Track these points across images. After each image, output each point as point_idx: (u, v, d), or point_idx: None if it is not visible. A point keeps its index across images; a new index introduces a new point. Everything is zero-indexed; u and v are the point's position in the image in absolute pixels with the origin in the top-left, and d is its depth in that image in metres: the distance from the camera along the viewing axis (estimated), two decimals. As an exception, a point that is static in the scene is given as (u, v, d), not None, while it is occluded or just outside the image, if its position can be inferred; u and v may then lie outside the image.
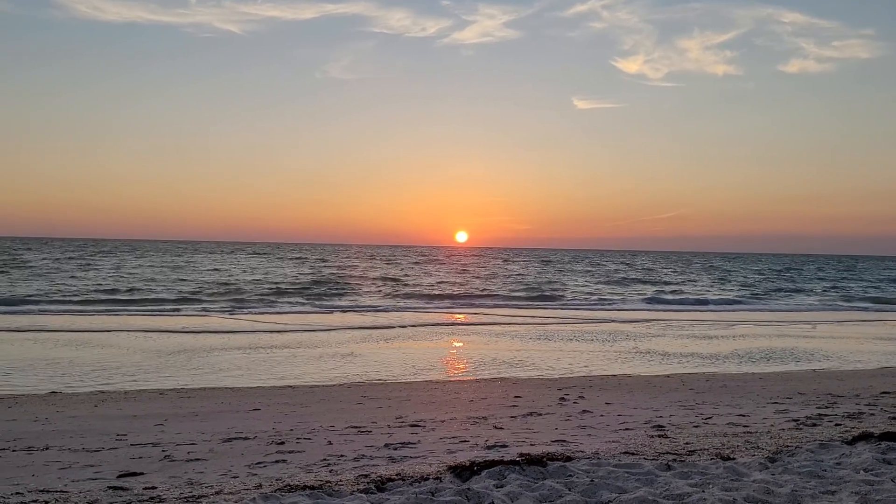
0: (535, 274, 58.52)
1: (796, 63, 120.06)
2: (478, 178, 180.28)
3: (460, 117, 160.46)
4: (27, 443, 6.70)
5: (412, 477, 4.90)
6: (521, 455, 5.39)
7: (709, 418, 7.86)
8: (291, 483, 4.84)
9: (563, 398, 9.58)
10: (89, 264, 53.52)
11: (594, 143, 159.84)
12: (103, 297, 29.98)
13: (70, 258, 62.15)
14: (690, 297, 39.00)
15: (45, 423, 7.79)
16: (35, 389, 10.58)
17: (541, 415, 8.24)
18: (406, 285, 42.18)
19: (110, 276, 41.67)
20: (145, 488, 4.89)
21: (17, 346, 15.54)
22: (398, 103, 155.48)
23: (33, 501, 4.56)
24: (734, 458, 5.54)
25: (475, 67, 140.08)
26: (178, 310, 26.31)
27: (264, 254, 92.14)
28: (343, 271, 54.30)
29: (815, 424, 7.38)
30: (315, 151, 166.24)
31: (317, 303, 30.59)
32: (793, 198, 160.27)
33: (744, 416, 8.05)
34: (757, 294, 42.51)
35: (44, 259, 58.51)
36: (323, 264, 66.00)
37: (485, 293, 37.81)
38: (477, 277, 51.73)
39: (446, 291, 38.17)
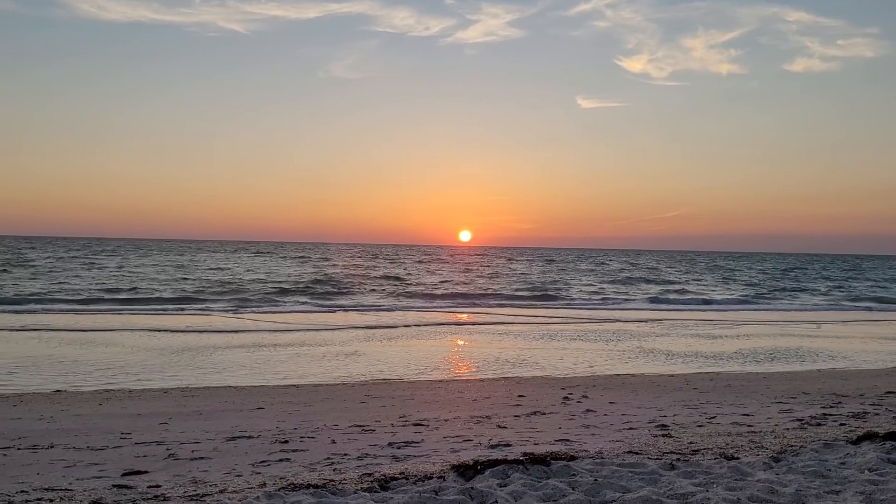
0: (539, 273, 58.49)
1: (801, 62, 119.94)
2: (481, 178, 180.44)
3: (464, 116, 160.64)
4: (32, 441, 6.72)
5: (416, 476, 4.90)
6: (524, 454, 5.39)
7: (713, 418, 7.85)
8: (295, 482, 4.84)
9: (566, 397, 9.57)
10: (93, 263, 53.63)
11: (598, 143, 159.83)
12: (107, 296, 30.03)
13: (73, 257, 62.28)
14: (694, 296, 38.96)
15: (49, 422, 7.81)
16: (40, 388, 10.61)
17: (544, 414, 8.23)
18: (409, 284, 42.19)
19: (114, 276, 41.76)
20: (150, 486, 4.90)
21: (21, 344, 15.58)
22: (402, 102, 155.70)
23: (38, 499, 4.57)
24: (738, 458, 5.53)
25: (479, 66, 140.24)
26: (181, 309, 26.35)
27: (267, 253, 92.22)
28: (346, 270, 54.33)
29: (819, 424, 7.36)
30: (318, 150, 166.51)
31: (320, 302, 30.62)
32: (797, 197, 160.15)
33: (748, 415, 8.04)
34: (761, 293, 42.43)
35: (47, 258, 58.64)
36: (326, 263, 66.06)
37: (488, 292, 37.80)
38: (480, 276, 51.73)
39: (449, 290, 38.17)
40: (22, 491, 4.80)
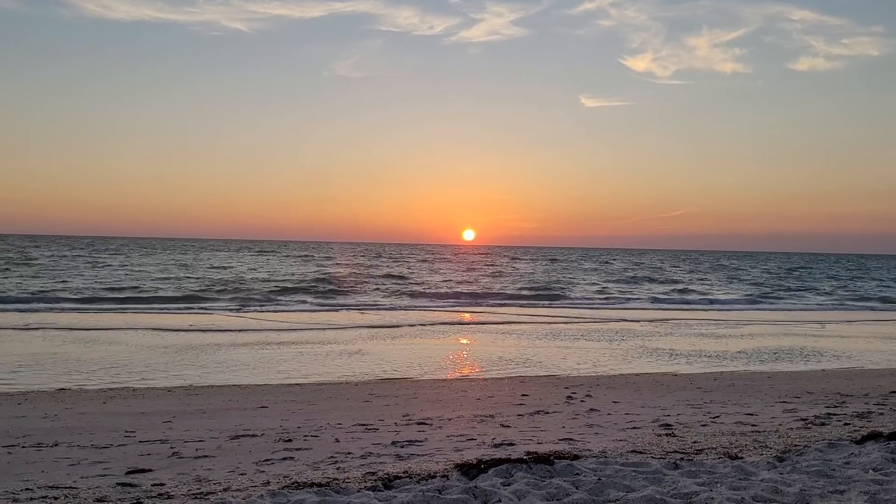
0: (543, 272, 58.46)
1: (805, 61, 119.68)
2: (485, 177, 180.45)
3: (467, 115, 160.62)
4: (36, 439, 6.74)
5: (419, 475, 4.90)
6: (528, 453, 5.39)
7: (717, 417, 7.84)
8: (299, 480, 4.85)
9: (570, 397, 9.57)
10: (97, 262, 53.75)
11: (602, 142, 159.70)
12: (110, 294, 30.09)
13: (77, 256, 62.42)
14: (698, 296, 38.88)
15: (54, 420, 7.83)
16: (44, 386, 10.63)
17: (548, 413, 8.23)
18: (413, 283, 42.17)
19: (117, 274, 41.85)
20: (154, 485, 4.90)
21: (25, 343, 15.62)
22: (405, 101, 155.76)
23: (43, 497, 4.58)
24: (742, 457, 5.52)
25: (482, 66, 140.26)
26: (185, 308, 26.40)
27: (270, 252, 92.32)
28: (350, 269, 54.35)
29: (823, 424, 7.34)
30: (322, 150, 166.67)
31: (323, 301, 30.64)
32: (802, 196, 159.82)
33: (752, 415, 8.03)
34: (766, 293, 42.32)
35: (51, 256, 58.78)
36: (330, 262, 66.10)
37: (492, 291, 37.77)
38: (484, 275, 51.71)
39: (453, 289, 38.15)
40: (27, 489, 4.81)
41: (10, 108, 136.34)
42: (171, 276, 41.95)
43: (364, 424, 7.45)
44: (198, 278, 40.53)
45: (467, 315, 26.40)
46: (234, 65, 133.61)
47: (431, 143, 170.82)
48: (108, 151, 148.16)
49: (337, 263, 64.20)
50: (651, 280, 50.91)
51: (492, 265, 70.10)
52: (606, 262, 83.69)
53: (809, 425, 7.24)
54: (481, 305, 30.82)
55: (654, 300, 35.52)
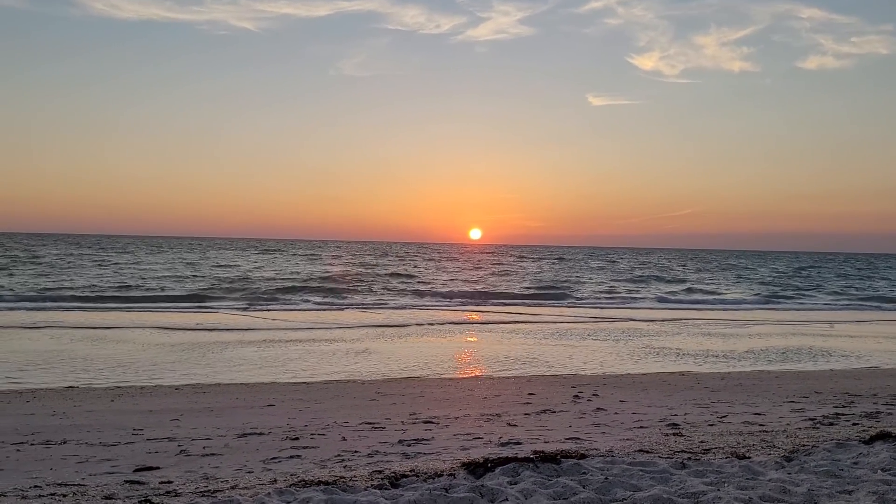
0: (549, 271, 58.40)
1: (814, 59, 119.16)
2: (492, 176, 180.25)
3: (474, 114, 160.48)
4: (45, 437, 6.77)
5: (426, 473, 4.90)
6: (534, 452, 5.38)
7: (724, 417, 7.82)
8: (306, 478, 4.86)
9: (577, 396, 9.56)
10: (103, 260, 53.96)
11: (609, 140, 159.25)
12: (118, 293, 30.23)
13: (84, 254, 62.69)
14: (706, 295, 38.78)
15: (62, 418, 7.86)
16: (52, 384, 10.68)
17: (555, 412, 8.22)
18: (420, 282, 42.20)
19: (124, 273, 42.00)
20: (161, 482, 4.92)
21: (33, 341, 15.70)
22: (412, 100, 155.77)
23: (51, 495, 4.60)
24: (750, 457, 5.50)
25: (489, 64, 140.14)
26: (191, 306, 26.48)
27: (277, 250, 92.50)
28: (356, 268, 54.40)
29: (832, 423, 7.31)
30: (328, 148, 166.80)
31: (329, 300, 30.68)
32: (810, 195, 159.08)
33: (759, 414, 8.00)
34: (774, 292, 42.18)
35: (58, 255, 59.04)
36: (336, 261, 66.18)
37: (499, 290, 37.76)
38: (491, 274, 51.69)
39: (460, 288, 38.15)
40: (35, 486, 4.83)
41: (19, 105, 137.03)
42: (178, 274, 42.10)
43: (371, 423, 7.46)
44: (204, 277, 40.66)
45: (474, 314, 26.40)
46: (241, 64, 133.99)
47: (438, 141, 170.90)
48: (115, 150, 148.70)
49: (343, 262, 64.28)
50: (658, 279, 50.79)
51: (498, 264, 70.08)
52: (613, 262, 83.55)
53: (818, 425, 7.21)
54: (488, 304, 30.81)
55: (662, 299, 35.44)
